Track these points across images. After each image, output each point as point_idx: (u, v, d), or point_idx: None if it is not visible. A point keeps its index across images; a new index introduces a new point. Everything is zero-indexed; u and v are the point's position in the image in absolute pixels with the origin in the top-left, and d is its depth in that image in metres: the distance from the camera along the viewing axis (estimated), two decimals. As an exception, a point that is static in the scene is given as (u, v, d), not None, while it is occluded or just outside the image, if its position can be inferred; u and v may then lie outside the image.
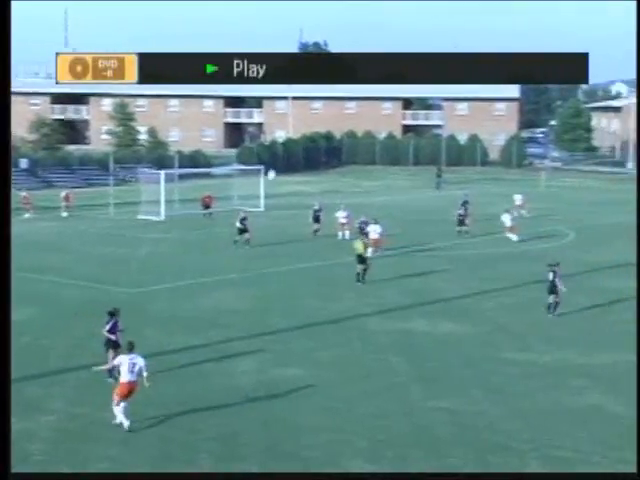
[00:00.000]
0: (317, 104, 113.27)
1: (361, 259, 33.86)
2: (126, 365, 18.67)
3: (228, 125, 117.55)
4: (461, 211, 47.62)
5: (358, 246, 34.25)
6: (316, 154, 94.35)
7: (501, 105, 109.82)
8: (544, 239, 45.91)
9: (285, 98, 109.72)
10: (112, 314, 22.11)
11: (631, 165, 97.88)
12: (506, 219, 44.91)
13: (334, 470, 16.76)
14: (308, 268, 37.48)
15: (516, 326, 28.08)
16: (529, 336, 26.84)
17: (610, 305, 30.72)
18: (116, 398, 18.72)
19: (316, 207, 46.09)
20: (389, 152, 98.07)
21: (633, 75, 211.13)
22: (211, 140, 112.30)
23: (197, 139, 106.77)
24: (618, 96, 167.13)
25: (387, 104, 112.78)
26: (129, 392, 18.68)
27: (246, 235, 42.23)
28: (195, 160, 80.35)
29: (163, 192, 52.69)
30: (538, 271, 36.23)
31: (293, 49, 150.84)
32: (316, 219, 45.63)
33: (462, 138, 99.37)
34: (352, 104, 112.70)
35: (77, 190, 63.84)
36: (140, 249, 42.26)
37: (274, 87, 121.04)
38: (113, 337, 21.68)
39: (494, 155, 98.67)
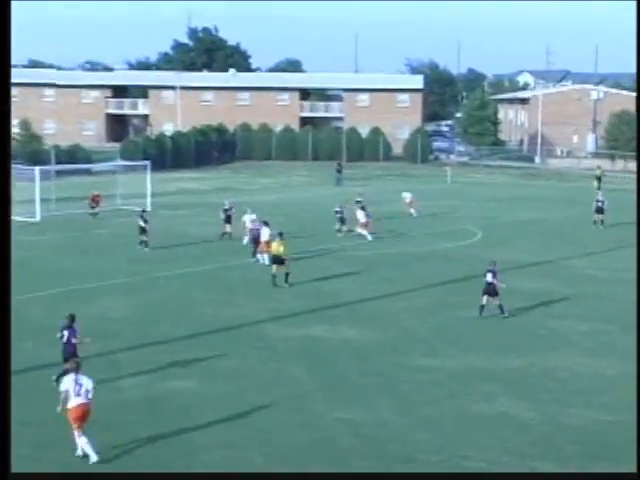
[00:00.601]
0: (208, 95, 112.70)
1: (278, 260, 34.16)
2: (71, 387, 18.02)
3: (110, 117, 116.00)
4: (337, 208, 47.68)
5: (275, 247, 34.61)
6: (207, 148, 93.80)
7: (404, 96, 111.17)
8: (450, 238, 46.68)
9: (173, 88, 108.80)
10: (71, 321, 22.28)
11: (539, 159, 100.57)
12: (360, 215, 45.72)
13: None
14: (201, 272, 37.28)
15: (422, 330, 28.53)
16: (436, 340, 27.32)
17: (520, 307, 31.36)
18: (74, 426, 17.95)
19: (226, 206, 45.28)
20: (286, 146, 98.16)
21: (540, 65, 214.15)
22: (91, 133, 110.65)
23: (76, 132, 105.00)
24: (525, 87, 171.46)
25: (283, 95, 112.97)
26: (83, 415, 17.98)
27: (143, 236, 41.76)
28: (74, 155, 78.93)
29: (38, 191, 51.60)
30: (443, 272, 37.01)
31: (181, 35, 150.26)
32: (227, 219, 44.73)
33: (364, 131, 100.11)
34: (246, 95, 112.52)
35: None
36: (13, 253, 41.18)
37: (161, 76, 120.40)
38: (75, 341, 22.12)
39: (398, 149, 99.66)
